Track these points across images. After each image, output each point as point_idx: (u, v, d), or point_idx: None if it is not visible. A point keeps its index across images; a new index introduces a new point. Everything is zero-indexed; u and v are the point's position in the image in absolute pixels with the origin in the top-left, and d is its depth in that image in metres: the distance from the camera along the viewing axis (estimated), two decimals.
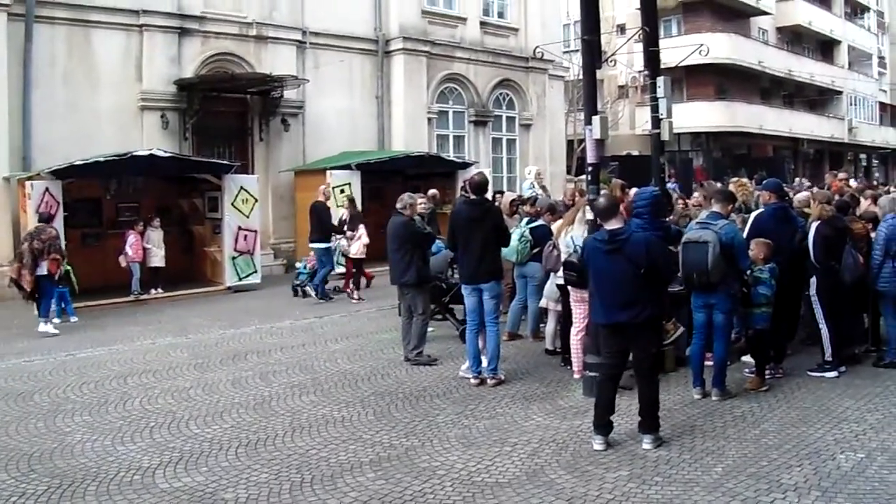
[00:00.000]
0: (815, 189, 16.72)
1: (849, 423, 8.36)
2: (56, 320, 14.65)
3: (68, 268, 15.40)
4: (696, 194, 15.01)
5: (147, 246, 17.86)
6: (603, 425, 7.83)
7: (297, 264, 18.81)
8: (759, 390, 9.52)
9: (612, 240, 7.88)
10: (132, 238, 17.35)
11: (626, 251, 7.85)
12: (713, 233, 9.00)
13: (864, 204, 11.85)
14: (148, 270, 17.98)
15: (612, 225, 8.00)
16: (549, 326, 11.77)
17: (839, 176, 18.18)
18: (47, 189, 16.07)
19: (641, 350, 8.05)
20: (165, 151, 18.24)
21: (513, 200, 14.78)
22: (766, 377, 9.87)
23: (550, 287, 11.29)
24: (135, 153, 17.23)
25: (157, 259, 18.04)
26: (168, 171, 18.99)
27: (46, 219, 15.00)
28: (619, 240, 7.89)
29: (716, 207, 9.57)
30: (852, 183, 20.47)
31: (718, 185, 12.58)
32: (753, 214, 10.69)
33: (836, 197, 12.52)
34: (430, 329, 12.93)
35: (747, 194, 12.96)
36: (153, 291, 17.83)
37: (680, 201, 14.33)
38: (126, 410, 9.31)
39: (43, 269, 14.35)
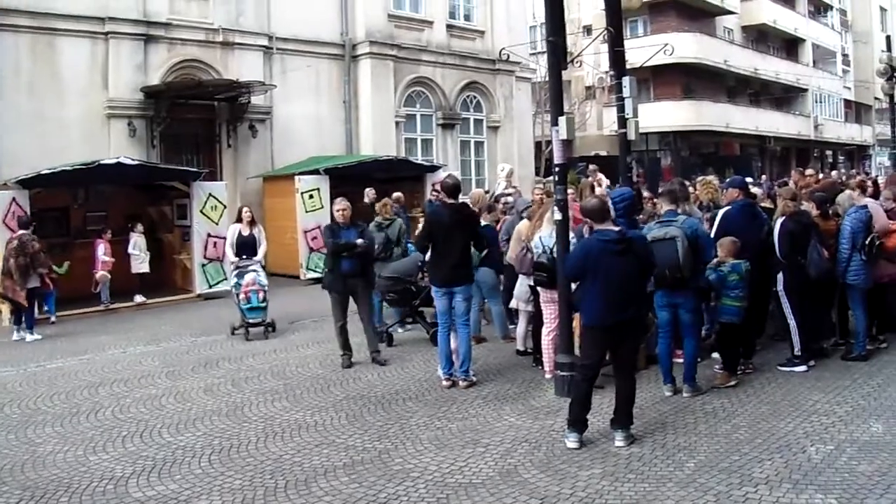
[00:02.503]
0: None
1: (818, 415, 8.45)
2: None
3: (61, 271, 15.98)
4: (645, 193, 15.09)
5: (133, 252, 17.91)
6: (580, 422, 7.84)
7: (240, 297, 14.06)
8: (727, 386, 9.59)
9: (622, 240, 7.90)
10: (102, 247, 17.25)
11: (636, 251, 7.90)
12: (678, 228, 9.07)
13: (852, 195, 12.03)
14: (133, 277, 18.01)
15: (606, 225, 8.03)
16: (520, 327, 11.78)
17: (807, 172, 18.28)
18: (14, 199, 15.96)
19: (631, 346, 8.11)
20: (133, 159, 18.15)
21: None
22: (737, 373, 9.98)
23: (521, 288, 11.31)
24: (102, 161, 17.12)
25: (143, 265, 18.14)
26: (136, 179, 18.87)
27: (25, 223, 14.92)
28: (627, 239, 7.93)
29: (669, 207, 9.65)
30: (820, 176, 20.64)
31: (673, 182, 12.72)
32: (721, 211, 10.77)
33: (803, 191, 12.68)
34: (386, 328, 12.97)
35: (713, 192, 13.02)
36: (137, 298, 17.86)
37: (649, 201, 14.39)
38: (98, 420, 9.26)
39: (34, 282, 14.65)
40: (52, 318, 16.12)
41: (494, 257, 12.02)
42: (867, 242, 10.49)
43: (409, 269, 12.82)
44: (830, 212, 11.37)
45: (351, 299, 11.68)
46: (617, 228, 8.06)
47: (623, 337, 7.94)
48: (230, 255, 14.71)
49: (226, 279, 18.70)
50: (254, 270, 14.27)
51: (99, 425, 9.06)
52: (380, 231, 13.29)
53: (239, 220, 14.97)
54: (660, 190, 11.45)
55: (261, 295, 14.02)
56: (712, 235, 10.14)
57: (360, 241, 11.38)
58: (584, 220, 9.11)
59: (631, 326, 8.00)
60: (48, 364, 12.35)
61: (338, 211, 11.61)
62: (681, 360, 9.57)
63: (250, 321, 13.88)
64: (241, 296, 13.96)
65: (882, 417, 8.32)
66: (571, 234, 9.55)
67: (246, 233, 14.72)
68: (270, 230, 17.75)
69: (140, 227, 18.11)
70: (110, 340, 14.08)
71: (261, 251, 14.78)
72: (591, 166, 20.05)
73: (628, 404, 7.97)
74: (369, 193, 18.28)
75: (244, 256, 14.48)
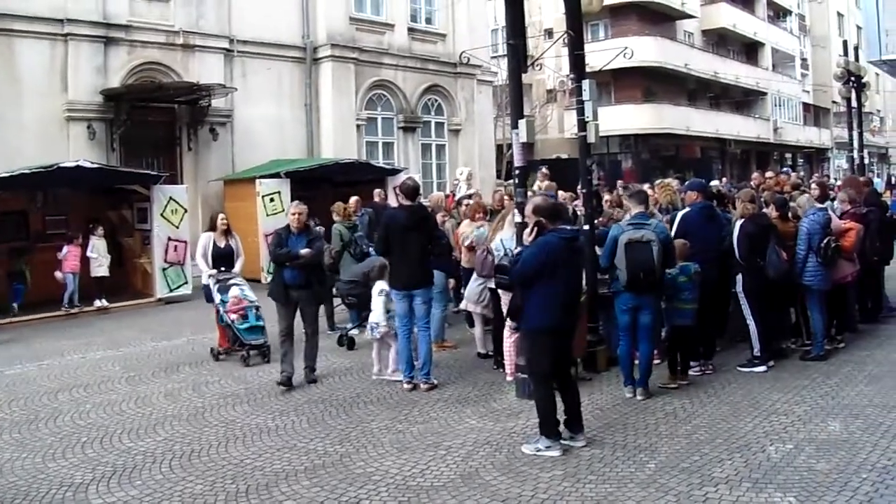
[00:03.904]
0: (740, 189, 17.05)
1: (778, 415, 8.55)
2: None
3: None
4: (605, 196, 15.15)
5: (92, 255, 17.65)
6: (554, 426, 7.75)
7: (232, 317, 12.32)
8: (669, 387, 9.71)
9: (576, 238, 7.92)
10: (65, 249, 17.11)
11: (583, 252, 7.92)
12: (652, 232, 9.12)
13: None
14: (92, 281, 17.75)
15: (559, 224, 8.03)
16: (477, 330, 11.81)
17: (767, 174, 18.64)
18: None
19: (569, 350, 8.14)
20: (92, 162, 18.03)
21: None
22: (697, 373, 10.14)
23: (471, 288, 11.31)
24: (61, 164, 16.99)
25: (102, 269, 17.88)
26: (96, 183, 18.78)
27: None
28: (577, 239, 7.96)
29: (639, 209, 9.64)
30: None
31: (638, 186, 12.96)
32: (680, 214, 10.85)
33: (764, 193, 12.89)
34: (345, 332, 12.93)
35: (672, 195, 13.12)
36: (97, 303, 17.66)
37: (609, 204, 14.45)
38: (57, 426, 9.18)
39: None
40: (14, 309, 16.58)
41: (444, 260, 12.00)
42: (822, 245, 10.61)
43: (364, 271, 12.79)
44: (790, 214, 11.48)
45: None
46: (571, 227, 8.08)
47: (567, 341, 7.96)
48: (203, 267, 12.79)
49: (186, 283, 18.66)
50: (236, 284, 12.62)
51: (58, 431, 8.99)
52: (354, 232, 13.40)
53: (212, 228, 13.00)
54: (629, 192, 11.46)
55: (255, 312, 12.40)
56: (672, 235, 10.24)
57: (304, 251, 10.48)
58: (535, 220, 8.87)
59: (573, 330, 8.06)
60: (7, 370, 12.22)
61: (292, 215, 10.88)
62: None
63: (252, 343, 12.14)
64: (234, 315, 12.28)
65: (839, 416, 8.42)
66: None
67: (222, 244, 12.87)
68: None
69: (100, 231, 17.92)
70: (70, 346, 13.96)
71: (238, 264, 13.02)
72: (542, 169, 20.11)
73: (579, 406, 8.00)
74: (380, 195, 18.08)
75: (222, 269, 12.76)
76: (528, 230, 7.87)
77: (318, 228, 12.84)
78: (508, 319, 9.23)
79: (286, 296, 10.58)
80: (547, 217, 8.02)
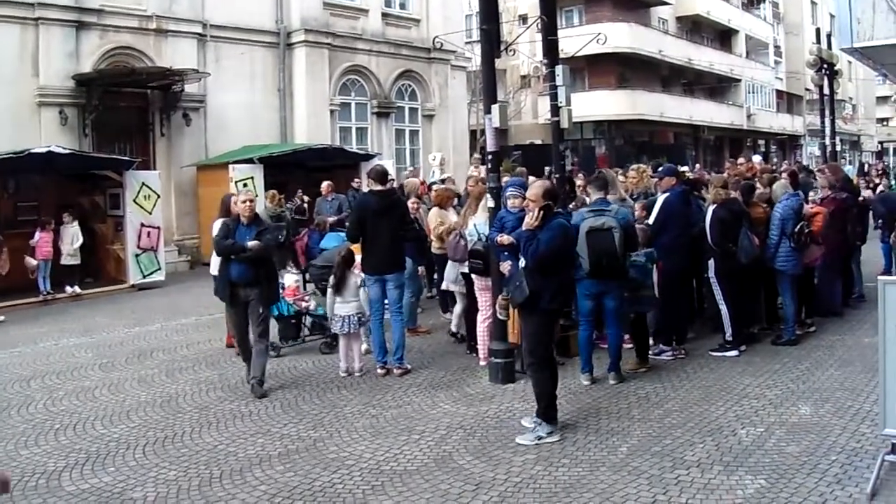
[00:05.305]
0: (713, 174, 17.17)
1: (749, 399, 8.62)
2: None
3: None
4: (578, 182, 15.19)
5: (62, 241, 17.55)
6: (555, 410, 7.82)
7: (307, 305, 12.01)
8: (638, 371, 9.79)
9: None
10: (37, 235, 16.99)
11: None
12: (613, 219, 9.13)
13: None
14: (63, 268, 17.63)
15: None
16: (457, 309, 11.78)
17: (739, 161, 18.82)
18: None
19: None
20: (64, 148, 17.87)
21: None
22: (669, 358, 10.24)
23: (451, 268, 11.29)
24: (32, 150, 16.82)
25: (69, 256, 17.74)
26: (67, 168, 18.59)
27: None
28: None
29: (599, 195, 9.65)
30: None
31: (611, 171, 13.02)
32: (662, 197, 10.80)
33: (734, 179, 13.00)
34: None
35: (647, 179, 13.16)
36: (69, 289, 17.52)
37: (582, 189, 14.47)
38: (29, 414, 9.14)
39: None
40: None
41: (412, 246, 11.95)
42: (797, 230, 10.69)
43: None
44: (762, 200, 11.54)
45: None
46: (564, 210, 8.12)
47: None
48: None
49: (159, 269, 18.60)
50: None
51: (31, 419, 8.95)
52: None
53: (226, 214, 11.39)
54: (589, 178, 11.48)
55: (309, 301, 11.94)
56: (651, 221, 10.29)
57: (251, 243, 9.41)
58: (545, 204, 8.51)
59: None
60: None
61: (243, 203, 9.72)
62: (605, 346, 9.74)
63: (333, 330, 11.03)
64: (304, 303, 11.86)
65: (810, 400, 8.51)
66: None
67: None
68: (205, 220, 17.55)
69: (69, 217, 17.79)
70: (43, 332, 13.88)
71: None
72: (475, 155, 20.08)
73: (555, 389, 8.03)
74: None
75: None
76: (532, 214, 7.67)
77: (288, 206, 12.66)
78: (512, 308, 8.95)
79: (231, 294, 9.64)
80: (555, 201, 8.08)
